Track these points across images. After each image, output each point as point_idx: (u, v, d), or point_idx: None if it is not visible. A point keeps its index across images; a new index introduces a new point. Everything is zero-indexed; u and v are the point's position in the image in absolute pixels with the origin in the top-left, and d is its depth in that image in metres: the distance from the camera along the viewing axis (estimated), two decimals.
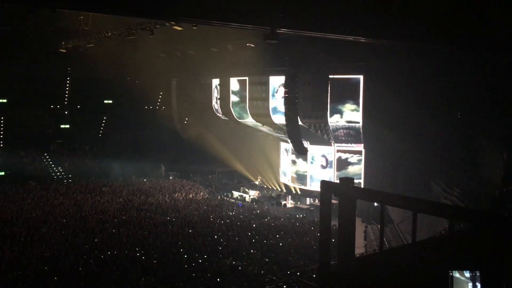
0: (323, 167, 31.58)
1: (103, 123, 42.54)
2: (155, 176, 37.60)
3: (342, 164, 30.49)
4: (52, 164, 36.88)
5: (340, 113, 28.45)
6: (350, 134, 29.43)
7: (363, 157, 29.84)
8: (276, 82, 31.22)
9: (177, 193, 31.81)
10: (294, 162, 33.72)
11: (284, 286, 15.95)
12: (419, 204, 2.32)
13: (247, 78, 33.47)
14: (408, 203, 2.35)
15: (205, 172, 40.24)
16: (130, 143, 39.44)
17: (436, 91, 23.78)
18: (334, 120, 28.72)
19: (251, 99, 33.18)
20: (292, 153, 33.10)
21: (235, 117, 35.14)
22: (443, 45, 17.14)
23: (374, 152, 28.45)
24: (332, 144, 30.64)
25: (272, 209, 30.51)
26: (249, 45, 27.04)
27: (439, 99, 23.91)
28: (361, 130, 28.66)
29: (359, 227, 23.54)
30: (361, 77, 27.92)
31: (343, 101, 28.42)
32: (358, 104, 28.03)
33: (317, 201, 31.07)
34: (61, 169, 36.60)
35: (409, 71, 24.15)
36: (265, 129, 34.98)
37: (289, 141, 30.94)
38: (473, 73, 21.17)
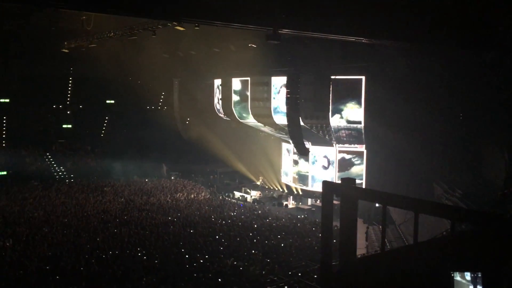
0: (325, 167, 31.56)
1: (105, 123, 42.58)
2: (156, 176, 37.61)
3: (345, 164, 30.46)
4: (54, 163, 36.93)
5: (342, 112, 28.43)
6: (352, 135, 29.40)
7: (364, 158, 29.80)
8: (278, 82, 31.21)
9: (179, 193, 31.82)
10: (296, 162, 33.70)
11: (285, 287, 15.95)
12: (421, 205, 2.32)
13: (249, 78, 33.48)
14: (410, 204, 2.35)
15: (206, 172, 40.25)
16: (132, 143, 39.47)
17: (438, 92, 23.74)
18: (335, 120, 28.70)
19: (253, 99, 33.18)
20: (294, 153, 33.08)
21: (236, 117, 35.15)
22: (445, 45, 17.11)
23: (376, 153, 28.41)
24: (334, 145, 30.62)
25: (273, 210, 30.50)
26: (251, 46, 27.05)
27: (441, 100, 23.87)
28: (363, 131, 28.63)
29: (361, 228, 23.50)
30: (363, 77, 27.89)
31: (345, 101, 28.40)
32: (360, 103, 28.01)
33: (318, 201, 31.04)
34: (63, 168, 36.64)
35: (411, 72, 24.13)
36: (266, 129, 34.97)
37: (290, 141, 30.94)
38: (475, 74, 21.12)
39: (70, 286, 15.22)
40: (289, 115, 28.19)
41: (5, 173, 34.02)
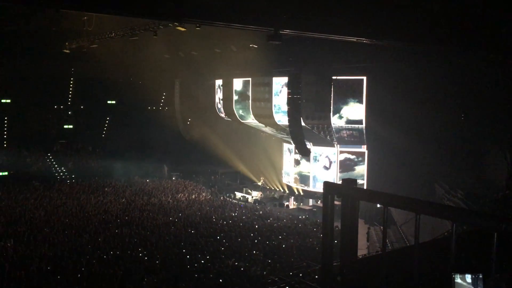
0: (326, 168, 31.55)
1: (106, 123, 42.63)
2: (158, 177, 37.66)
3: (349, 165, 30.44)
4: (55, 164, 36.99)
5: (343, 111, 28.41)
6: (353, 135, 29.40)
7: (366, 158, 29.80)
8: (279, 83, 31.22)
9: (180, 194, 31.84)
10: (297, 162, 33.69)
11: (287, 287, 15.93)
12: (422, 206, 2.31)
13: (250, 79, 33.50)
14: (411, 205, 2.34)
15: (208, 172, 40.27)
16: (133, 143, 39.50)
17: (439, 92, 23.73)
18: (337, 120, 28.69)
19: (254, 100, 33.20)
20: (296, 153, 33.09)
21: (237, 117, 35.17)
22: (447, 46, 17.10)
23: (377, 153, 28.41)
24: (335, 145, 30.61)
25: (274, 210, 30.50)
26: (252, 46, 27.04)
27: (442, 101, 23.86)
28: (364, 131, 28.63)
29: (362, 229, 23.49)
30: (364, 78, 27.90)
31: (346, 100, 28.40)
32: (361, 102, 28.01)
33: (319, 202, 31.04)
34: (64, 169, 36.69)
35: (412, 72, 24.11)
36: (268, 130, 34.98)
37: (292, 142, 30.94)
38: (477, 75, 21.10)
39: (71, 286, 15.22)
40: (290, 115, 28.19)
41: (6, 173, 34.08)
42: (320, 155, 31.80)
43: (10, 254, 17.84)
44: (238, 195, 35.19)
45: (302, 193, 34.04)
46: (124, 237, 20.76)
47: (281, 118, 30.92)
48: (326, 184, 2.82)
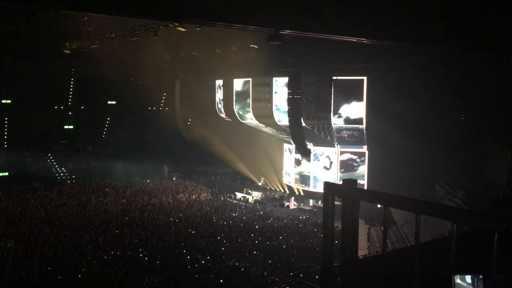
0: (326, 168, 31.55)
1: (107, 124, 42.63)
2: (158, 177, 37.65)
3: (351, 165, 30.43)
4: (55, 164, 36.99)
5: (343, 109, 28.41)
6: (353, 136, 29.40)
7: (366, 159, 29.80)
8: (280, 83, 31.24)
9: (180, 194, 31.83)
10: (298, 162, 33.65)
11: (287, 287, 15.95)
12: (423, 206, 2.31)
13: (250, 79, 33.51)
14: (412, 205, 2.34)
15: (208, 173, 40.26)
16: (133, 144, 39.49)
17: (440, 92, 23.73)
18: (337, 119, 28.69)
19: (254, 100, 33.21)
20: (296, 153, 33.09)
21: (238, 118, 35.19)
22: (447, 46, 17.09)
23: (378, 153, 28.41)
24: (336, 145, 30.61)
25: (275, 211, 30.49)
26: (253, 46, 27.04)
27: (443, 101, 23.86)
28: (364, 132, 28.62)
29: (362, 229, 23.48)
30: (364, 78, 27.90)
31: (347, 99, 28.42)
32: (361, 100, 28.02)
33: (320, 202, 31.03)
34: (64, 169, 36.70)
35: (413, 73, 24.11)
36: (268, 130, 34.98)
37: (292, 142, 30.95)
38: (478, 75, 21.10)
39: (72, 287, 15.23)
40: (290, 115, 28.20)
41: (7, 173, 34.08)
42: (321, 155, 31.78)
43: (11, 255, 17.85)
44: (239, 195, 35.19)
45: (302, 194, 34.03)
46: (124, 238, 20.76)
47: (280, 117, 30.94)
48: (327, 185, 2.82)
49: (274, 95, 31.64)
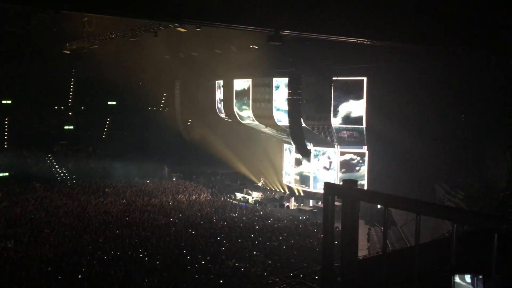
0: (326, 168, 31.55)
1: (107, 124, 42.64)
2: (158, 177, 37.67)
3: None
4: (56, 165, 37.00)
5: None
6: (353, 136, 29.40)
7: (366, 159, 29.80)
8: (280, 83, 31.24)
9: (180, 195, 31.83)
10: (298, 162, 33.62)
11: None
12: (423, 207, 2.31)
13: (250, 79, 33.52)
14: (412, 205, 2.34)
15: (208, 173, 40.26)
16: (133, 144, 39.51)
17: (440, 93, 23.73)
18: (337, 119, 28.68)
19: (254, 100, 33.22)
20: (296, 152, 33.08)
21: (238, 118, 35.19)
22: (447, 47, 17.10)
23: (378, 154, 28.41)
24: (336, 146, 30.61)
25: (275, 211, 30.50)
26: (253, 47, 27.05)
27: (443, 102, 23.86)
28: (364, 132, 28.63)
29: (362, 229, 23.49)
30: (364, 79, 27.91)
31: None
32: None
33: (320, 203, 31.02)
34: (64, 170, 36.71)
35: (413, 73, 24.11)
36: (268, 130, 34.99)
37: (292, 143, 30.95)
38: (478, 76, 21.11)
39: (72, 287, 15.23)
40: (290, 116, 28.21)
41: (7, 174, 34.09)
42: (323, 154, 31.77)
43: (11, 255, 17.84)
44: (239, 195, 35.19)
45: (302, 194, 34.03)
46: (124, 238, 20.77)
47: (280, 116, 30.96)
48: (327, 185, 2.82)
49: (274, 94, 31.61)
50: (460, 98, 23.10)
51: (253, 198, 34.41)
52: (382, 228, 2.95)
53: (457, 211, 2.26)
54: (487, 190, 20.89)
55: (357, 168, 30.19)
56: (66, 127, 40.81)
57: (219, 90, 37.60)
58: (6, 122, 37.36)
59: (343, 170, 30.60)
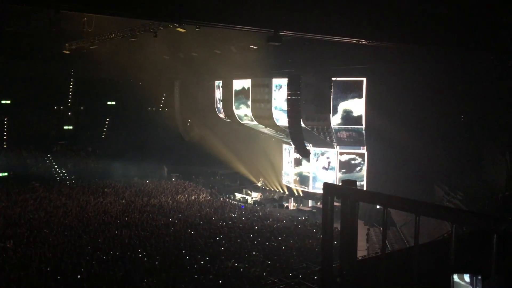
0: (325, 169, 31.55)
1: (106, 124, 42.62)
2: (157, 178, 37.64)
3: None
4: (55, 165, 36.97)
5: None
6: (352, 136, 29.41)
7: (365, 160, 29.81)
8: (279, 83, 31.25)
9: (180, 195, 31.82)
10: (298, 162, 33.60)
11: None
12: (422, 207, 2.31)
13: (250, 80, 33.52)
14: (411, 206, 2.34)
15: (207, 173, 40.26)
16: (132, 144, 39.49)
17: (439, 94, 23.74)
18: (336, 117, 28.68)
19: (253, 101, 33.22)
20: (295, 152, 33.08)
21: (237, 118, 35.20)
22: (446, 47, 17.11)
23: (377, 154, 28.42)
24: (335, 146, 30.62)
25: (274, 211, 30.48)
26: (252, 47, 27.06)
27: (442, 102, 23.88)
28: (363, 132, 28.64)
29: (361, 230, 23.47)
30: (364, 79, 27.92)
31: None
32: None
33: (319, 203, 31.02)
34: (64, 170, 36.67)
35: (412, 74, 24.13)
36: (267, 131, 34.99)
37: (291, 143, 30.95)
38: (477, 76, 21.13)
39: (71, 287, 15.22)
40: (290, 116, 28.21)
41: (6, 174, 34.05)
42: (322, 155, 31.77)
43: (10, 255, 17.83)
44: (238, 196, 35.18)
45: (301, 194, 34.03)
46: (123, 238, 20.75)
47: (279, 115, 30.96)
48: (326, 185, 2.82)
49: (274, 94, 31.60)
50: (460, 98, 23.12)
51: (252, 198, 34.40)
52: (381, 228, 2.95)
53: (456, 212, 2.26)
54: (486, 190, 20.91)
55: (357, 168, 30.19)
56: (65, 127, 40.78)
57: (218, 90, 37.60)
58: (5, 122, 37.33)
59: (343, 170, 30.60)
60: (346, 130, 29.20)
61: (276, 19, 13.42)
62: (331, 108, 28.34)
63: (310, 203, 33.06)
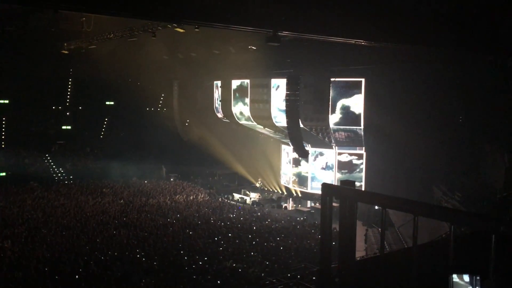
0: (324, 169, 31.56)
1: (105, 124, 42.58)
2: (156, 178, 37.60)
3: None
4: (53, 165, 36.92)
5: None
6: (350, 137, 29.40)
7: (364, 160, 29.81)
8: (278, 84, 31.24)
9: (178, 195, 31.80)
10: (297, 162, 33.55)
11: None
12: (420, 208, 2.31)
13: (248, 80, 33.52)
14: (409, 207, 2.34)
15: (206, 174, 40.23)
16: (131, 144, 39.45)
17: (438, 94, 23.76)
18: (335, 116, 28.66)
19: (252, 101, 33.22)
20: (293, 152, 33.06)
21: (236, 119, 35.19)
22: (446, 48, 17.13)
23: (375, 155, 28.42)
24: (333, 147, 30.63)
25: (272, 212, 30.47)
26: (251, 48, 27.06)
27: (441, 103, 23.90)
28: (362, 133, 28.64)
29: (360, 230, 23.51)
30: (362, 80, 27.93)
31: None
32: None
33: (318, 204, 31.02)
34: (62, 170, 36.63)
35: (411, 74, 24.14)
36: (266, 131, 34.99)
37: (290, 144, 30.95)
38: (476, 77, 21.14)
39: (69, 287, 15.20)
40: (288, 117, 28.21)
41: (4, 174, 34.00)
42: (321, 155, 31.77)
43: (8, 255, 17.79)
44: (236, 196, 35.16)
45: (300, 195, 34.02)
46: (122, 239, 20.74)
47: (277, 115, 30.95)
48: (325, 186, 2.82)
49: (273, 94, 31.59)
50: (459, 99, 23.14)
51: (250, 198, 34.38)
52: (380, 229, 2.95)
53: (454, 213, 2.26)
54: (485, 191, 20.91)
55: (356, 169, 30.19)
56: (63, 127, 40.72)
57: (217, 90, 37.59)
58: (4, 122, 37.27)
59: (342, 171, 30.60)
60: (344, 130, 29.19)
61: (275, 20, 13.42)
62: (330, 109, 28.33)
63: (309, 203, 33.05)
